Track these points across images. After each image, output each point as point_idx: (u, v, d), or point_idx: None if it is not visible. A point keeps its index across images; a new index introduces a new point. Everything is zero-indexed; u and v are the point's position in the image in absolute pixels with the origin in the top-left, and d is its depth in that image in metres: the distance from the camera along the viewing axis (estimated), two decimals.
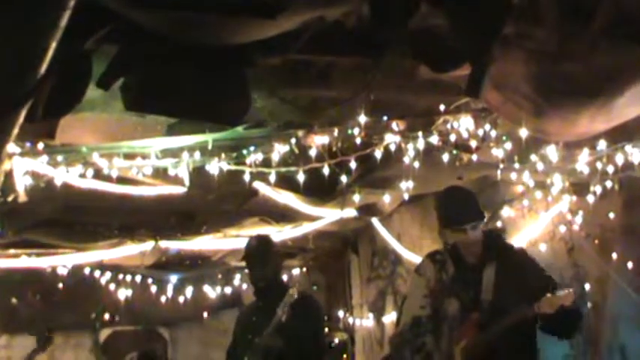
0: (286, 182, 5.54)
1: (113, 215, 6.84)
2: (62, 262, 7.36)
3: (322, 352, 4.86)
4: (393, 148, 4.91)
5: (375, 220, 7.59)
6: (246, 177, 5.12)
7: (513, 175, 5.31)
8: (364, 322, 8.79)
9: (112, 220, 7.10)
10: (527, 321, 3.83)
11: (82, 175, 5.05)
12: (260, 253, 4.77)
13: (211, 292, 9.36)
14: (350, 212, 6.73)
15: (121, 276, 8.63)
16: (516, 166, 5.02)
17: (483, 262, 3.99)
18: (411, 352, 4.25)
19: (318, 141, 4.91)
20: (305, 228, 7.05)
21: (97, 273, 8.37)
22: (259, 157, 4.99)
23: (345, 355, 9.07)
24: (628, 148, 4.67)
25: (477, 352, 3.91)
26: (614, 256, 5.24)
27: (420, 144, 4.87)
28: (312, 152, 4.95)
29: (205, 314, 9.84)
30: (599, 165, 4.85)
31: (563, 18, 2.86)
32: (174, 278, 9.00)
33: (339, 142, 4.89)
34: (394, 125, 4.83)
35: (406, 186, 5.36)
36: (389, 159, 5.04)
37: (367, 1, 3.09)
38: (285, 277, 5.46)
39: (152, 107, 3.64)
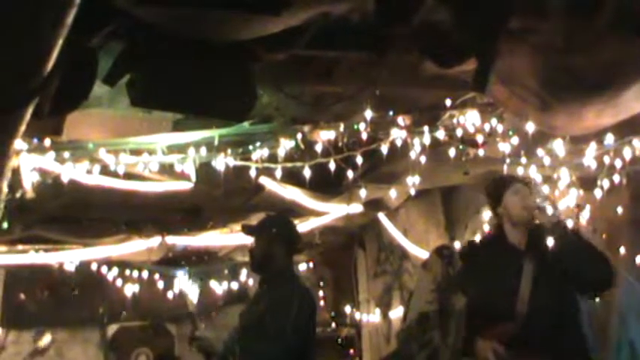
0: (292, 178, 5.54)
1: (120, 211, 6.87)
2: (70, 257, 7.39)
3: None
4: (399, 143, 4.90)
5: (381, 215, 7.59)
6: (253, 172, 5.12)
7: (520, 170, 5.29)
8: (371, 317, 8.79)
9: (119, 216, 7.13)
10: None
11: (89, 172, 5.06)
12: (252, 232, 4.58)
13: (218, 287, 9.38)
14: (356, 207, 6.73)
15: (127, 272, 8.65)
16: (523, 160, 5.00)
17: (525, 254, 3.91)
18: (418, 347, 4.26)
19: (324, 136, 4.91)
20: (311, 223, 7.05)
21: (104, 269, 8.40)
22: (265, 152, 4.99)
23: (351, 351, 9.07)
24: (635, 142, 4.66)
25: None
26: (622, 250, 5.22)
27: (426, 139, 4.87)
28: (318, 147, 4.94)
29: (212, 310, 9.86)
30: (606, 159, 4.83)
31: (569, 12, 2.85)
32: (181, 274, 9.02)
33: (345, 137, 4.89)
34: (400, 120, 4.83)
35: (412, 181, 5.35)
36: (395, 154, 5.03)
37: None
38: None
39: (158, 103, 3.65)
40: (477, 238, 5.20)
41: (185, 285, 9.02)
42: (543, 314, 3.78)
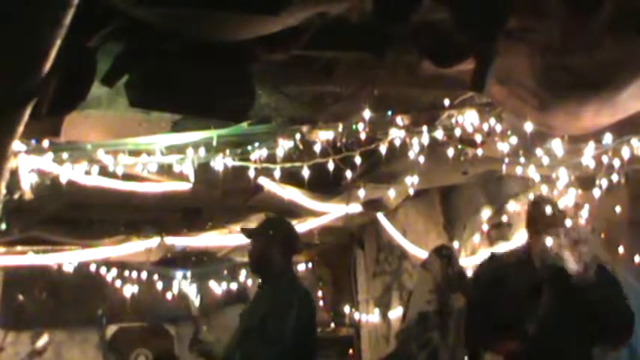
0: (291, 178, 5.54)
1: (119, 212, 6.87)
2: (68, 259, 7.39)
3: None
4: (397, 143, 4.90)
5: (380, 215, 7.59)
6: (251, 173, 5.11)
7: (519, 170, 5.30)
8: (370, 317, 8.79)
9: (118, 217, 7.13)
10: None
11: (88, 173, 5.06)
12: (250, 235, 4.61)
13: (217, 288, 9.38)
14: (355, 207, 6.73)
15: (126, 272, 8.65)
16: (522, 160, 5.01)
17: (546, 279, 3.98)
18: (418, 347, 4.26)
19: (323, 136, 4.91)
20: (310, 223, 7.05)
21: (103, 270, 8.40)
22: (264, 152, 4.99)
23: (351, 351, 9.07)
24: (634, 141, 4.66)
25: None
26: (621, 249, 5.23)
27: (425, 139, 4.87)
28: (317, 148, 4.94)
29: (211, 310, 9.85)
30: (604, 158, 4.84)
31: (568, 11, 2.85)
32: (179, 274, 9.03)
33: (343, 137, 4.88)
34: (399, 120, 4.82)
35: (411, 181, 5.36)
36: (394, 154, 5.03)
37: None
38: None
39: (156, 104, 3.65)
40: (500, 250, 5.27)
41: (186, 287, 9.02)
42: (554, 340, 3.81)
